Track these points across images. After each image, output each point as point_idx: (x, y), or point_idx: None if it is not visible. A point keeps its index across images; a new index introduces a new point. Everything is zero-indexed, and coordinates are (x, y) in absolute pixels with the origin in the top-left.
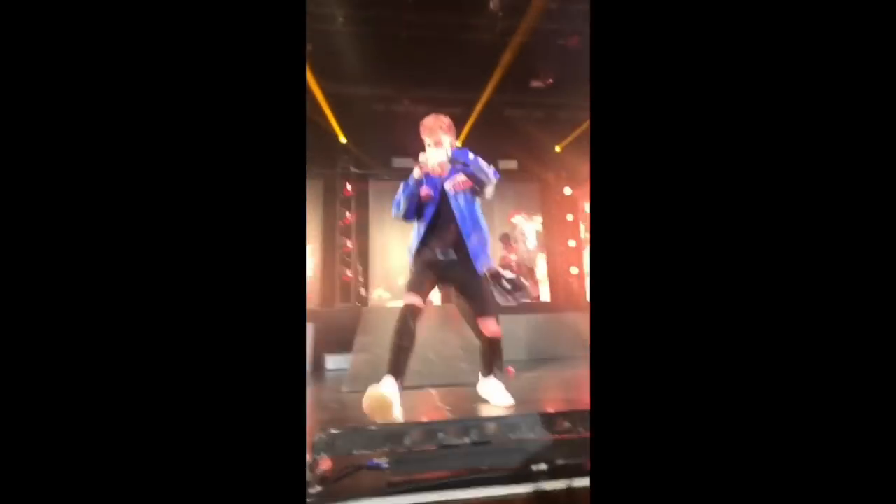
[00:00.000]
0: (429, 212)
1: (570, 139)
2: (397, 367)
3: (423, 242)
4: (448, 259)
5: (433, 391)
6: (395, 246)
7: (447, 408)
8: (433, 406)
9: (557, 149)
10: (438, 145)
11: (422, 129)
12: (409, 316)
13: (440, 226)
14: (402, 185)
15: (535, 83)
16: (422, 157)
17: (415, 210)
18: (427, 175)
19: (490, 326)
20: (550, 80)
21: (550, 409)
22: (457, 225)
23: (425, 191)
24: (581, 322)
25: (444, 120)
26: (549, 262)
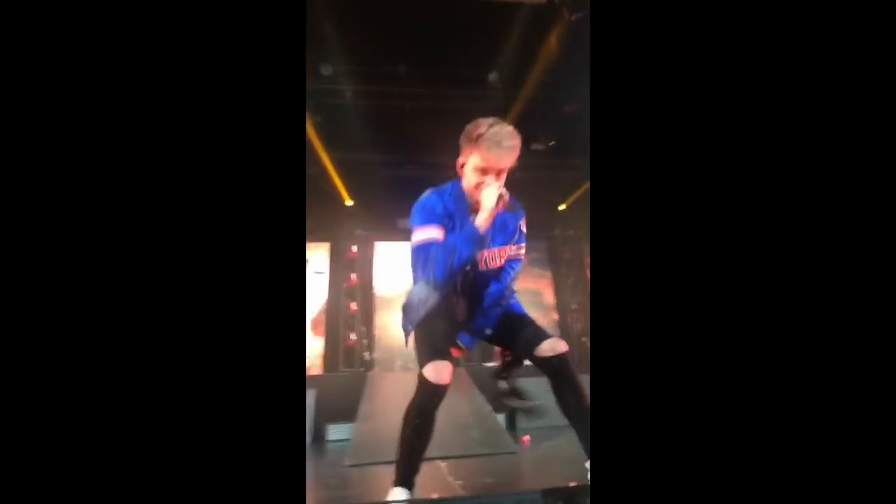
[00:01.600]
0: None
1: (573, 198)
2: (409, 475)
3: (452, 299)
4: (482, 322)
5: (442, 463)
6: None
7: (459, 482)
8: (443, 481)
9: (562, 207)
10: (499, 178)
11: (480, 141)
12: (433, 401)
13: (474, 284)
14: (446, 245)
15: (536, 146)
16: (490, 193)
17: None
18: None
19: (557, 345)
20: (552, 143)
21: (570, 483)
22: (490, 290)
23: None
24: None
25: (517, 140)
26: (559, 321)
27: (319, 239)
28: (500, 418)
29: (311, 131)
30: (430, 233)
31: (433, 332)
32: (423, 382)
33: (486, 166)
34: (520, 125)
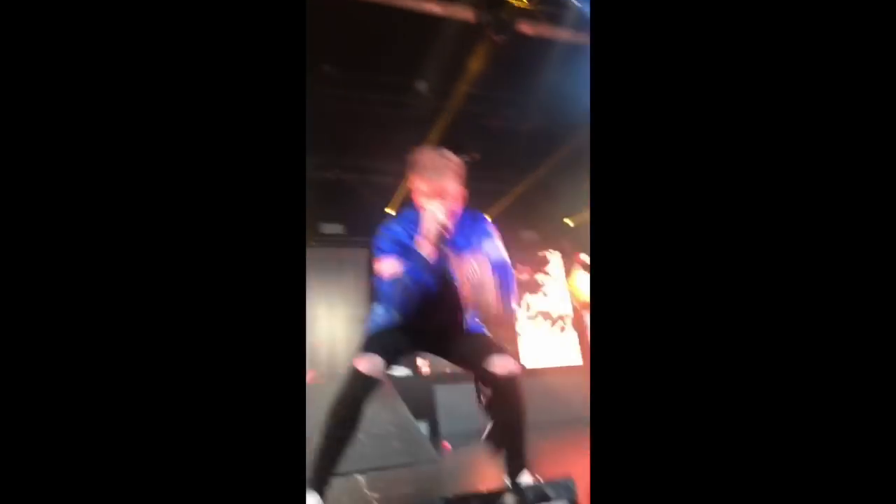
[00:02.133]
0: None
1: (497, 209)
2: (324, 476)
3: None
4: (440, 328)
5: (360, 477)
6: (328, 316)
7: (375, 495)
8: (360, 494)
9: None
10: (443, 197)
11: (419, 171)
12: (362, 392)
13: (436, 292)
14: (387, 286)
15: (463, 157)
16: (429, 219)
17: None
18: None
19: (510, 364)
20: (477, 156)
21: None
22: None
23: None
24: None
25: (455, 162)
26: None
27: None
28: (423, 426)
29: None
30: (388, 266)
31: (385, 334)
32: (353, 372)
33: (427, 190)
34: (446, 136)
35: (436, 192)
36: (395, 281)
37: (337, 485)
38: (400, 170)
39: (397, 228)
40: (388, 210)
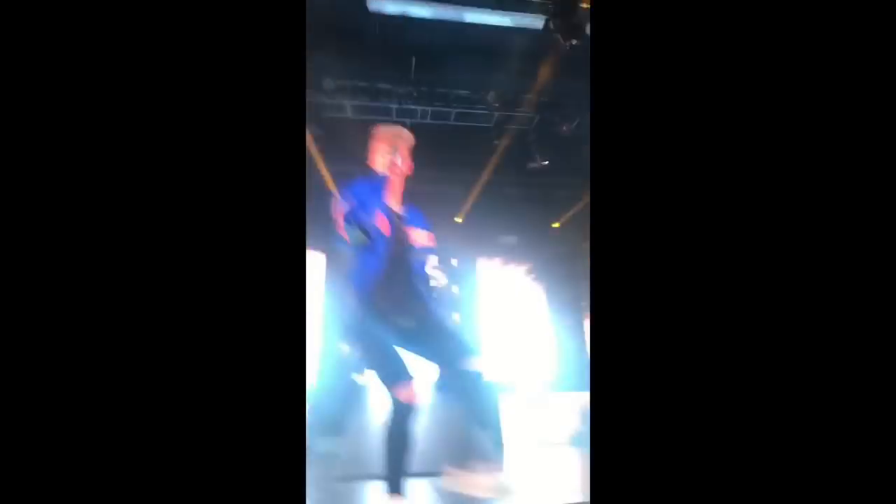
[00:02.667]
0: (374, 259)
1: (567, 216)
2: (398, 483)
3: (380, 306)
4: (414, 327)
5: (434, 479)
6: None
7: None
8: (433, 496)
9: (556, 225)
10: (402, 154)
11: (378, 139)
12: (410, 418)
13: (396, 285)
14: (354, 197)
15: (532, 165)
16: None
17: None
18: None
19: (473, 362)
20: (546, 162)
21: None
22: (413, 286)
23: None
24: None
25: (406, 135)
26: (552, 337)
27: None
28: (495, 433)
29: (310, 144)
30: (343, 206)
31: (383, 353)
32: (396, 403)
33: (389, 146)
34: (515, 144)
35: (391, 158)
36: (350, 210)
37: (410, 486)
38: (471, 178)
39: (357, 187)
40: (457, 219)
